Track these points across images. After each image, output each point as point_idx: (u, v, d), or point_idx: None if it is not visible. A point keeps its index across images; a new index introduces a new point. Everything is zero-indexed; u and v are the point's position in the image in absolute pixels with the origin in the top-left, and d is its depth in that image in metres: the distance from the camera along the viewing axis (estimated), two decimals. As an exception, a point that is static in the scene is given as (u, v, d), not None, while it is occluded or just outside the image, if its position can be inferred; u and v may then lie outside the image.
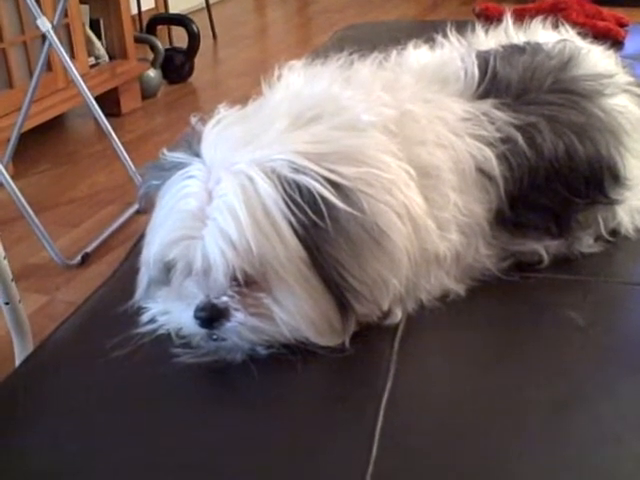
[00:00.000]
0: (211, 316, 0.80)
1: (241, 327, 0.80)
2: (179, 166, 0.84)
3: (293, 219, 0.78)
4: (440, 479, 0.69)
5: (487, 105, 0.95)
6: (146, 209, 0.91)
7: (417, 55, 1.06)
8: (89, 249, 2.06)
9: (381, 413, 0.75)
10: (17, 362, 1.48)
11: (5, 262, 1.43)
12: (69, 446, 0.75)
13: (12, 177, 2.03)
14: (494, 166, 0.91)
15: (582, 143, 0.95)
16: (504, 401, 0.77)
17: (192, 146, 0.85)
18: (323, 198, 0.78)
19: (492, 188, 0.92)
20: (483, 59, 1.01)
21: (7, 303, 1.45)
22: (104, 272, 1.84)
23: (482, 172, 0.91)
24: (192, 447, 0.73)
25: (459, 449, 0.72)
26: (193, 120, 0.89)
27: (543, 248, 0.96)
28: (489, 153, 0.91)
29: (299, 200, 0.78)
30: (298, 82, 0.94)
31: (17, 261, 1.77)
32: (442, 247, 0.88)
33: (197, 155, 0.84)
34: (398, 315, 0.87)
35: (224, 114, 0.88)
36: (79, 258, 2.02)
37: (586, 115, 0.97)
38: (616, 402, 0.77)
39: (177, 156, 0.86)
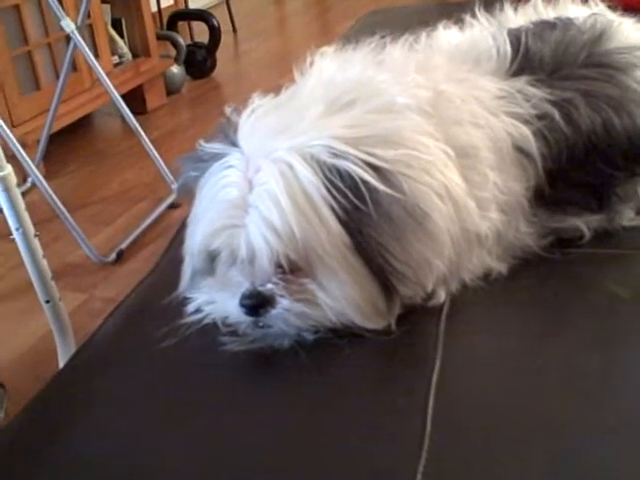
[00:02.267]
0: (257, 303, 0.81)
1: (287, 313, 0.81)
2: (217, 157, 0.85)
3: (335, 204, 0.78)
4: (492, 454, 0.69)
5: (521, 82, 0.94)
6: (182, 201, 0.92)
7: (447, 36, 1.06)
8: (123, 246, 2.07)
9: (432, 392, 0.75)
10: (60, 359, 1.51)
11: (44, 261, 1.45)
12: (120, 438, 0.76)
13: (44, 177, 2.05)
14: (531, 143, 0.91)
15: (619, 116, 0.94)
16: (552, 376, 0.77)
17: (229, 136, 0.86)
18: (364, 182, 0.78)
19: (530, 165, 0.91)
20: (514, 36, 1.00)
21: (48, 301, 1.47)
22: (140, 268, 1.86)
23: (519, 150, 0.91)
24: (244, 432, 0.74)
25: (509, 424, 0.72)
26: (228, 110, 0.90)
27: (584, 224, 0.95)
28: (526, 130, 0.91)
29: (340, 185, 0.78)
30: (330, 68, 0.94)
31: (54, 260, 1.79)
32: (483, 226, 0.88)
33: (234, 145, 0.84)
34: (442, 296, 0.87)
35: (258, 103, 0.88)
36: (114, 255, 2.04)
37: (622, 88, 0.96)
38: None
39: (214, 146, 0.86)
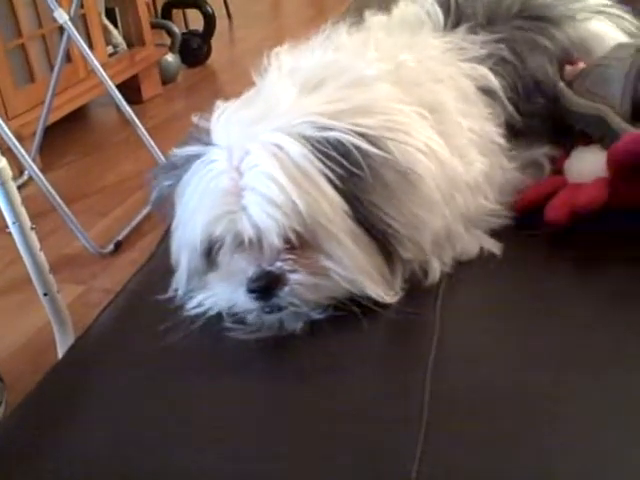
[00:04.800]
0: (268, 284, 0.80)
1: (300, 287, 0.80)
2: (192, 159, 0.84)
3: (330, 173, 0.79)
4: (490, 431, 0.69)
5: (461, 32, 1.02)
6: (160, 212, 0.92)
7: (378, 17, 1.11)
8: (121, 237, 2.07)
9: (429, 371, 0.75)
10: (59, 350, 1.51)
11: (41, 254, 1.44)
12: (119, 430, 0.76)
13: (40, 170, 2.05)
14: (492, 79, 0.97)
15: (552, 65, 1.03)
16: (549, 354, 0.77)
17: (201, 139, 0.85)
18: (356, 147, 0.79)
19: (496, 101, 0.97)
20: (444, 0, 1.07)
21: (46, 294, 1.47)
22: (137, 258, 1.86)
23: (483, 90, 0.97)
24: (245, 419, 0.75)
25: (507, 401, 0.72)
26: (195, 118, 0.89)
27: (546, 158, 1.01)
28: (483, 69, 0.97)
29: (333, 154, 0.79)
30: (289, 60, 0.96)
31: (52, 252, 1.79)
32: (471, 173, 0.90)
33: (209, 144, 0.84)
34: (436, 268, 0.87)
35: (225, 105, 0.88)
36: (112, 246, 2.04)
37: (554, 42, 1.04)
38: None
39: (188, 150, 0.86)
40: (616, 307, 0.84)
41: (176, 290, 0.89)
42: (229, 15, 4.22)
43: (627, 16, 1.14)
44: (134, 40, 3.11)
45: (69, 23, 2.21)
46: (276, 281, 0.80)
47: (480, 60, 0.98)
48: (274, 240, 0.79)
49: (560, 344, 0.79)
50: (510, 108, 0.97)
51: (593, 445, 0.67)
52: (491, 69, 0.97)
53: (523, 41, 1.02)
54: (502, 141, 0.96)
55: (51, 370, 0.89)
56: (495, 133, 0.95)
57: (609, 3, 1.13)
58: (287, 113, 0.83)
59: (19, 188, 1.47)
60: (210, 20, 3.49)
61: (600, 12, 1.11)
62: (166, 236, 1.11)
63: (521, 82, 0.99)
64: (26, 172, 2.30)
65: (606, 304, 0.84)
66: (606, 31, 1.09)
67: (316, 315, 0.82)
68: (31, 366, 1.57)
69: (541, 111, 1.01)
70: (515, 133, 0.98)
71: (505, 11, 1.05)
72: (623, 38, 1.10)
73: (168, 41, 3.34)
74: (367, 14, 1.12)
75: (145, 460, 0.73)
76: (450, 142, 0.89)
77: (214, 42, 3.55)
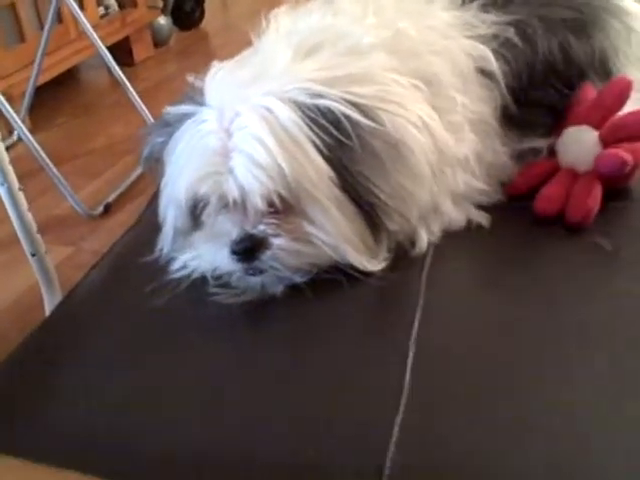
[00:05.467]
0: (250, 246, 0.80)
1: (282, 252, 0.81)
2: (185, 118, 0.84)
3: (318, 141, 0.79)
4: (473, 407, 0.70)
5: (474, 9, 0.97)
6: (150, 169, 0.92)
7: None
8: (111, 199, 2.06)
9: (412, 344, 0.75)
10: (47, 310, 1.51)
11: (29, 214, 1.44)
12: (104, 389, 0.77)
13: (30, 131, 2.03)
14: (492, 62, 0.93)
15: (577, 37, 0.98)
16: (534, 326, 0.78)
17: (195, 99, 0.85)
18: (346, 116, 0.79)
19: (494, 85, 0.94)
20: None
21: (34, 255, 1.46)
22: (127, 221, 1.84)
23: (482, 72, 0.94)
24: (229, 382, 0.75)
25: (490, 372, 0.73)
26: (190, 78, 0.89)
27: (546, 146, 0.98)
28: (485, 49, 0.93)
29: (322, 122, 0.79)
30: (287, 22, 0.95)
31: (41, 213, 1.78)
32: (462, 149, 0.90)
33: (203, 105, 0.84)
34: (424, 238, 0.88)
35: (220, 65, 0.88)
36: (101, 208, 2.03)
37: (579, 11, 0.99)
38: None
39: (181, 109, 0.86)
40: (601, 280, 0.84)
41: (161, 249, 0.89)
42: (223, -22, 4.17)
43: None
44: (126, 1, 3.07)
45: (60, -18, 2.18)
46: (259, 244, 0.80)
47: (485, 40, 0.94)
48: (258, 202, 0.79)
49: (545, 314, 0.79)
50: (507, 97, 0.94)
51: (575, 411, 0.68)
52: (496, 51, 0.94)
53: (540, 21, 0.97)
54: (496, 124, 0.95)
55: (38, 327, 0.89)
56: (489, 115, 0.94)
57: None
58: (280, 77, 0.82)
59: (8, 148, 1.45)
60: (204, -18, 3.45)
61: None
62: (155, 198, 1.11)
63: (528, 70, 0.96)
64: (15, 133, 2.28)
65: (586, 275, 0.85)
66: (632, 6, 1.06)
67: (298, 279, 0.82)
68: (18, 325, 1.57)
69: (549, 100, 0.98)
70: (511, 121, 0.96)
71: None
72: None
73: (160, 3, 3.30)
74: None
75: (126, 423, 0.73)
76: (443, 117, 0.88)
77: (207, 5, 3.51)
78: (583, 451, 0.65)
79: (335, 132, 0.79)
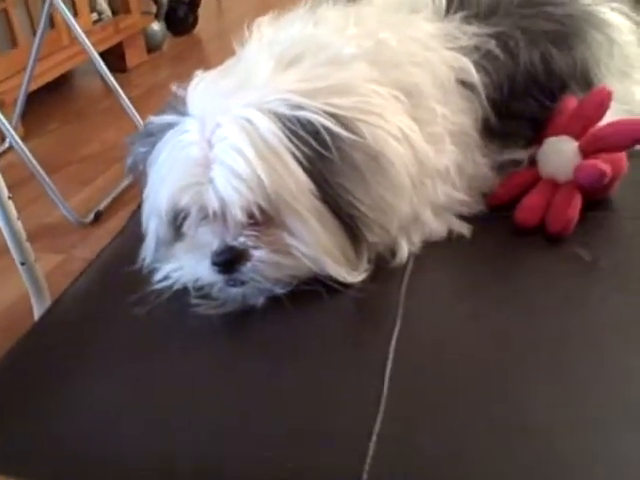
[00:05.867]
0: (230, 258, 0.81)
1: (262, 265, 0.81)
2: (168, 127, 0.85)
3: (298, 153, 0.79)
4: (451, 416, 0.70)
5: (456, 20, 0.97)
6: (136, 180, 0.92)
7: None
8: (101, 206, 2.06)
9: (390, 354, 0.76)
10: (36, 320, 1.51)
11: (19, 223, 1.44)
12: (89, 395, 0.78)
13: (22, 138, 2.04)
14: (473, 74, 0.94)
15: (559, 49, 0.98)
16: (511, 336, 0.78)
17: (178, 108, 0.86)
18: (326, 128, 0.79)
19: (475, 96, 0.94)
20: None
21: (23, 263, 1.47)
22: (118, 228, 1.85)
23: (463, 83, 0.94)
24: (212, 390, 0.76)
25: (468, 381, 0.73)
26: (174, 88, 0.89)
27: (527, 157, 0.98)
28: (466, 61, 0.94)
29: (302, 134, 0.79)
30: (269, 32, 0.95)
31: (31, 221, 1.78)
32: (442, 160, 0.90)
33: (185, 115, 0.84)
34: (404, 248, 0.88)
35: (203, 75, 0.89)
36: (92, 216, 2.03)
37: (561, 23, 1.00)
38: (625, 334, 0.78)
39: (164, 119, 0.86)
40: (580, 289, 0.85)
41: (144, 259, 0.89)
42: (217, -17, 4.18)
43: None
44: (119, 7, 3.08)
45: (52, -11, 2.19)
46: (239, 256, 0.81)
47: (466, 52, 0.94)
48: (238, 214, 0.79)
49: (524, 324, 0.80)
50: (488, 109, 0.95)
51: (556, 422, 0.69)
52: (477, 63, 0.94)
53: (522, 33, 0.97)
54: (476, 135, 0.95)
55: (24, 336, 0.90)
56: (469, 127, 0.94)
57: None
58: (261, 88, 0.83)
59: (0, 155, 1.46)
60: (197, -12, 3.45)
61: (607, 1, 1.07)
62: (140, 207, 1.11)
63: (509, 81, 0.96)
64: (7, 140, 2.28)
65: (565, 285, 0.85)
66: (614, 18, 1.06)
67: (278, 290, 0.82)
68: (7, 334, 1.57)
69: (530, 112, 0.98)
70: (492, 133, 0.96)
71: (508, 0, 1.01)
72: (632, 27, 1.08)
73: (154, 9, 3.30)
74: None
75: (105, 433, 0.74)
76: (424, 128, 0.88)
77: (201, 11, 3.52)
78: (562, 459, 0.65)
79: (315, 144, 0.79)
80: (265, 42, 0.93)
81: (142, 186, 0.90)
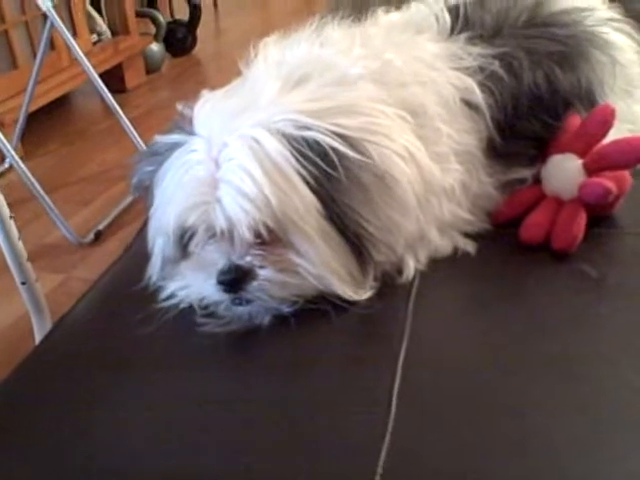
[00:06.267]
0: (236, 277, 0.81)
1: (268, 284, 0.81)
2: (174, 147, 0.85)
3: (305, 173, 0.79)
4: (458, 434, 0.70)
5: (461, 41, 0.98)
6: (141, 198, 0.92)
7: (388, 15, 1.08)
8: (101, 226, 2.07)
9: (398, 372, 0.76)
10: (37, 340, 1.50)
11: (20, 243, 1.44)
12: (92, 419, 0.77)
13: (22, 158, 2.04)
14: (477, 94, 0.94)
15: (562, 69, 0.99)
16: (519, 353, 0.78)
17: (184, 128, 0.86)
18: (333, 149, 0.79)
19: (479, 117, 0.94)
20: (454, 7, 1.04)
21: (24, 283, 1.46)
22: (118, 249, 1.84)
23: (467, 103, 0.94)
24: (213, 411, 0.75)
25: (476, 399, 0.73)
26: (179, 107, 0.90)
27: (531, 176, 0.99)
28: (470, 81, 0.94)
29: (309, 154, 0.79)
30: (275, 52, 0.95)
31: (31, 241, 1.79)
32: (447, 179, 0.90)
33: (191, 134, 0.84)
34: (411, 266, 0.88)
35: (210, 95, 0.89)
36: (92, 236, 2.03)
37: (565, 44, 1.00)
38: (632, 352, 0.77)
39: (171, 138, 0.86)
40: (587, 307, 0.85)
41: (150, 277, 0.89)
42: (215, 4, 4.21)
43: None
44: (119, 28, 3.10)
45: (52, 10, 2.20)
46: (245, 275, 0.81)
47: (471, 72, 0.94)
48: (245, 233, 0.79)
49: (531, 341, 0.80)
50: (492, 129, 0.95)
51: (561, 437, 0.68)
52: (481, 83, 0.94)
53: (526, 54, 0.98)
54: (481, 155, 0.95)
55: (26, 357, 0.89)
56: (474, 146, 0.94)
57: (618, 18, 1.09)
58: (268, 108, 0.83)
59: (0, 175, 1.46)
60: (196, 9, 3.48)
61: (607, 25, 1.07)
62: (145, 226, 1.11)
63: (513, 102, 0.96)
64: (7, 160, 2.29)
65: (572, 302, 0.85)
66: (617, 39, 1.07)
67: (285, 309, 0.82)
68: (7, 356, 1.56)
69: (534, 131, 0.98)
70: (497, 153, 0.96)
71: (513, 21, 1.01)
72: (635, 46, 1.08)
73: (153, 30, 3.33)
74: (378, 11, 1.09)
75: (110, 451, 0.73)
76: (429, 147, 0.88)
77: (200, 32, 3.54)
78: (568, 478, 0.65)
79: (322, 164, 0.80)
80: (271, 62, 0.93)
81: (148, 205, 0.90)
